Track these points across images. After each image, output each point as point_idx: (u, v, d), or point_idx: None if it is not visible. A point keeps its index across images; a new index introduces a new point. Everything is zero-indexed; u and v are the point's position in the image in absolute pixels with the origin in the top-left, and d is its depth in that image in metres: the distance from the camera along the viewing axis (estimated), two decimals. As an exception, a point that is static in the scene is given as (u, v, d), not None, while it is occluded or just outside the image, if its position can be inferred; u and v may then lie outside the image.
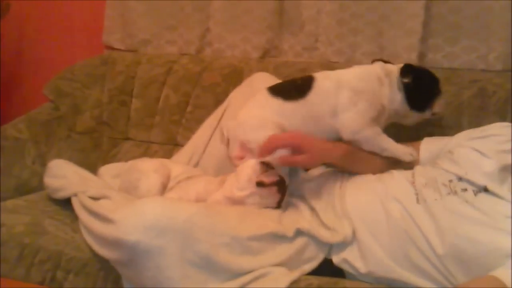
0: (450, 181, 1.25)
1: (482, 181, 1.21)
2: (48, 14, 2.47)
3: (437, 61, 1.82)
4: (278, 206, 1.35)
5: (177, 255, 1.12)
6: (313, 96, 1.42)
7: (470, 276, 1.13)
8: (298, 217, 1.30)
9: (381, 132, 1.43)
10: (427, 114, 1.49)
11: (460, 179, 1.24)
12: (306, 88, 1.43)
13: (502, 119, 1.57)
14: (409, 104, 1.45)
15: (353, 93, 1.41)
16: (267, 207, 1.35)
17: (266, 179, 1.33)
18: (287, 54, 2.06)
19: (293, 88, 1.46)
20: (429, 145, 1.45)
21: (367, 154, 1.42)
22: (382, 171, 1.40)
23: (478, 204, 1.18)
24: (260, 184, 1.33)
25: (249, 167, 1.36)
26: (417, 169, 1.35)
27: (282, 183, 1.34)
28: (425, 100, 1.47)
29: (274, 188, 1.33)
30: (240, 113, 1.47)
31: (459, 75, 1.71)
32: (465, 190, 1.22)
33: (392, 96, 1.44)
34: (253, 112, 1.45)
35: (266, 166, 1.35)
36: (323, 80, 1.44)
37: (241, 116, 1.46)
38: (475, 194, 1.20)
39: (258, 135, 1.37)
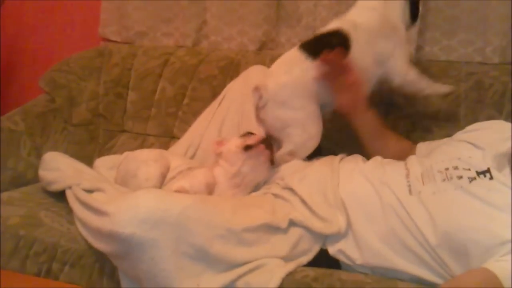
0: (446, 169, 1.25)
1: (483, 165, 1.22)
2: (45, 6, 2.46)
3: (434, 54, 1.82)
4: (272, 163, 1.43)
5: (172, 247, 1.11)
6: (354, 53, 1.46)
7: (465, 267, 1.13)
8: (291, 209, 1.30)
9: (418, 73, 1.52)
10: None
11: (456, 168, 1.25)
12: (345, 48, 1.45)
13: (499, 112, 1.58)
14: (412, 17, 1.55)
15: (388, 40, 1.50)
16: (263, 170, 1.42)
17: (251, 140, 1.40)
18: (284, 47, 2.05)
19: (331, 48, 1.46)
20: (424, 145, 1.47)
21: (389, 136, 1.50)
22: (393, 157, 1.43)
23: (473, 191, 1.19)
24: (247, 147, 1.39)
25: (231, 145, 1.43)
26: (410, 159, 1.36)
27: (267, 140, 1.41)
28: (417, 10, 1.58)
29: (261, 146, 1.39)
30: (278, 72, 1.48)
31: (456, 68, 1.71)
32: (461, 177, 1.22)
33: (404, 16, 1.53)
34: (295, 73, 1.46)
35: (245, 135, 1.44)
36: (357, 35, 1.47)
37: (281, 76, 1.47)
38: (470, 181, 1.20)
39: (302, 98, 1.44)
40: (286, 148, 1.47)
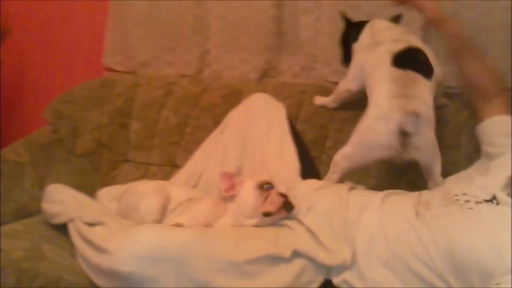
0: (456, 195, 1.26)
1: (491, 192, 1.24)
2: (48, 37, 2.49)
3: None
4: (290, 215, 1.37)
5: (173, 284, 1.11)
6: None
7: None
8: (295, 239, 1.29)
9: None
10: None
11: (464, 194, 1.25)
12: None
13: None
14: None
15: None
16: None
17: (271, 206, 1.34)
18: (286, 75, 2.07)
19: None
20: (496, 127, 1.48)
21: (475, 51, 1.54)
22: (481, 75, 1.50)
23: (478, 213, 1.19)
24: (267, 214, 1.34)
25: (249, 196, 1.36)
26: (425, 192, 1.37)
27: (287, 202, 1.34)
28: None
29: (282, 211, 1.34)
30: (414, 94, 1.43)
31: (457, 94, 1.71)
32: (468, 201, 1.23)
33: None
34: (427, 92, 1.47)
35: (264, 186, 1.36)
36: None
37: (425, 97, 1.44)
38: (476, 204, 1.21)
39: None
40: (438, 169, 1.43)
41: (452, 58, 1.56)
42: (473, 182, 1.29)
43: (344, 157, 1.47)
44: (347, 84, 1.67)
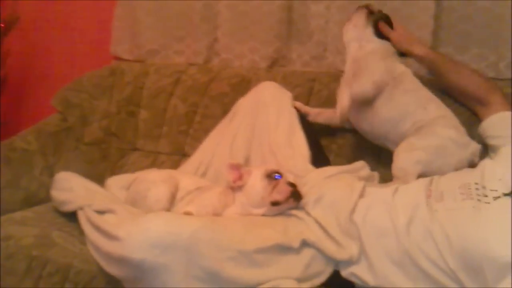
0: (476, 188, 1.24)
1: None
2: (55, 25, 2.49)
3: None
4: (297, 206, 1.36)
5: (183, 272, 1.11)
6: None
7: (481, 285, 1.11)
8: (304, 229, 1.28)
9: None
10: None
11: (484, 187, 1.23)
12: None
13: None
14: None
15: None
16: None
17: (279, 196, 1.33)
18: (295, 64, 2.06)
19: None
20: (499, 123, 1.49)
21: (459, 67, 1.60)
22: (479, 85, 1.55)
23: (492, 209, 1.17)
24: (275, 203, 1.33)
25: (258, 185, 1.36)
26: (435, 179, 1.35)
27: (295, 191, 1.33)
28: None
29: (290, 200, 1.33)
30: None
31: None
32: (486, 196, 1.21)
33: None
34: None
35: (272, 175, 1.35)
36: None
37: None
38: (494, 199, 1.19)
39: None
40: None
41: (435, 77, 1.62)
42: (494, 174, 1.26)
43: (417, 163, 1.45)
44: None
